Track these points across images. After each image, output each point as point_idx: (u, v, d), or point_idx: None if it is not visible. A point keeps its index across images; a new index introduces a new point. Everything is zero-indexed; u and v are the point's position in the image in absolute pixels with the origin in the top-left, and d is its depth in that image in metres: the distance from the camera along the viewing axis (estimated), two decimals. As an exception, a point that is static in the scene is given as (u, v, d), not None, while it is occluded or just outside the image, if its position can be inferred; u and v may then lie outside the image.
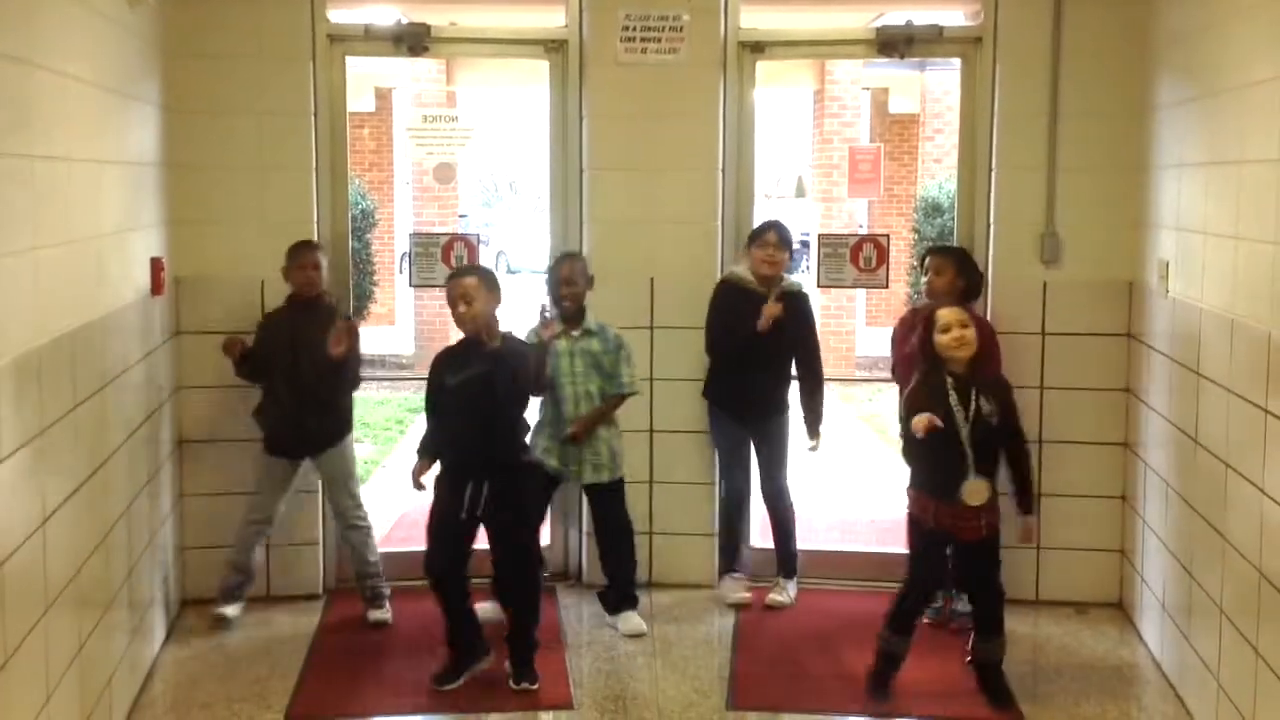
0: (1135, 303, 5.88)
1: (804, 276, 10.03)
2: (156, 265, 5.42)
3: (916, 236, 15.28)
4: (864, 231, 15.44)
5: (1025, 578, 6.12)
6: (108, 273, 4.67)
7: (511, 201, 36.18)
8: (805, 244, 23.54)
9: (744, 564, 6.27)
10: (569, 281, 5.73)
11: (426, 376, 5.24)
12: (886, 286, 6.70)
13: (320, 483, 6.00)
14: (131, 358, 5.01)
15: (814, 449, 6.18)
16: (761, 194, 7.41)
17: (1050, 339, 6.02)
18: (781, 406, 6.10)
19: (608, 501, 5.88)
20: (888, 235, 6.69)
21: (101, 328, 4.53)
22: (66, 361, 4.08)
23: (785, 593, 6.13)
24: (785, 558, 6.21)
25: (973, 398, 4.76)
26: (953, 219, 6.70)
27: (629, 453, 6.07)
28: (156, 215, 5.54)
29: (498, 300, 5.11)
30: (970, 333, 4.79)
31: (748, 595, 6.10)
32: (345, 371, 5.72)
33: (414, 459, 5.25)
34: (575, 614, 6.03)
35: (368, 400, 11.90)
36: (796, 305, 6.00)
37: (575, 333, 5.72)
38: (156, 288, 5.42)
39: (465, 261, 6.22)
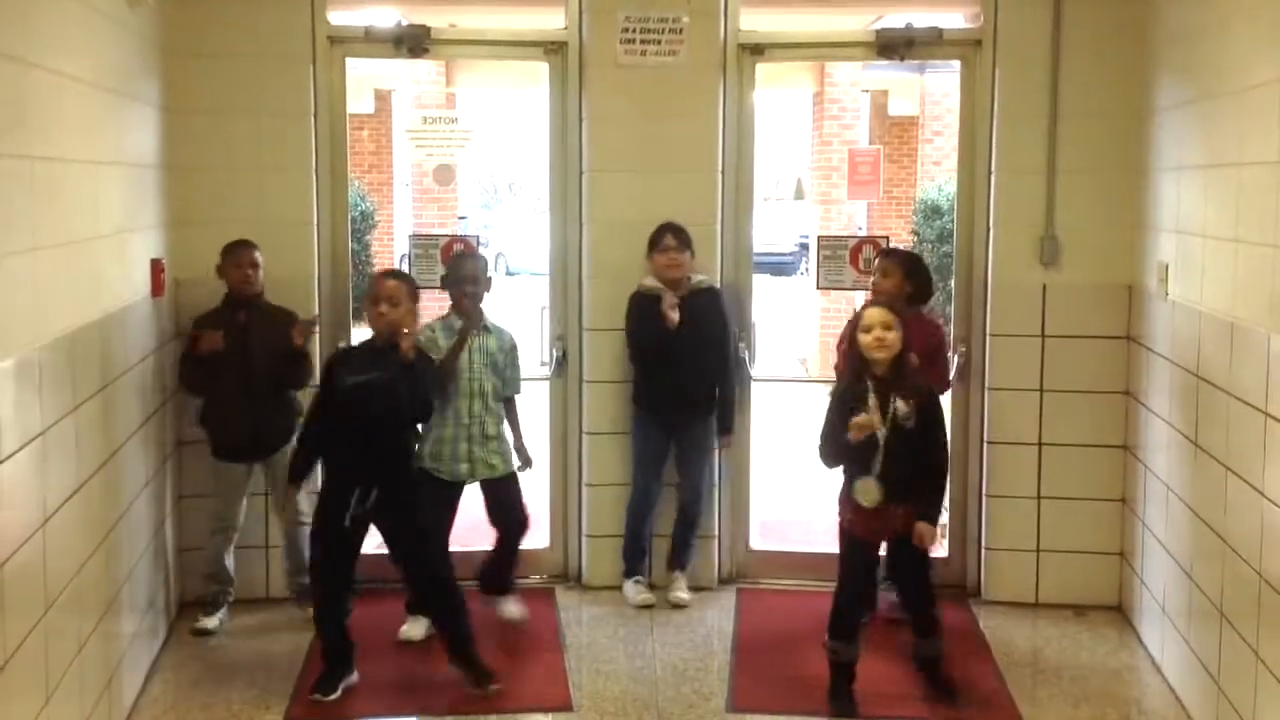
0: (1135, 306, 5.88)
1: (803, 278, 10.02)
2: (156, 266, 5.42)
3: (916, 239, 15.30)
4: (863, 234, 15.45)
5: (1024, 580, 6.13)
6: (107, 274, 4.67)
7: (511, 203, 36.19)
8: (804, 246, 23.63)
9: (647, 568, 6.25)
10: (475, 279, 5.70)
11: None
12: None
13: (267, 483, 5.88)
14: (131, 359, 5.01)
15: (725, 446, 6.20)
16: (761, 196, 7.40)
17: (1050, 342, 6.02)
18: (705, 407, 6.10)
19: (506, 495, 5.81)
20: (887, 237, 6.71)
21: (101, 329, 4.53)
22: (67, 363, 4.08)
23: (682, 587, 6.15)
24: (682, 550, 6.20)
25: (891, 400, 4.76)
26: (952, 221, 6.70)
27: (626, 454, 6.08)
28: (156, 216, 5.53)
29: (416, 309, 5.10)
30: (892, 335, 4.76)
31: (651, 598, 6.09)
32: (301, 365, 5.68)
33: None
34: (575, 616, 6.03)
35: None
36: (708, 301, 6.02)
37: (474, 331, 5.69)
38: (156, 289, 5.42)
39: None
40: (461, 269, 5.78)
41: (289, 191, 5.99)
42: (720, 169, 6.19)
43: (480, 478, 5.75)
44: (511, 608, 5.85)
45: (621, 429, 6.21)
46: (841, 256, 6.36)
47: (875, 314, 4.82)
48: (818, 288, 6.80)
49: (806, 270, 22.31)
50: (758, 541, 6.61)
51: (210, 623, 5.74)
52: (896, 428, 4.75)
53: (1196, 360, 4.95)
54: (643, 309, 5.98)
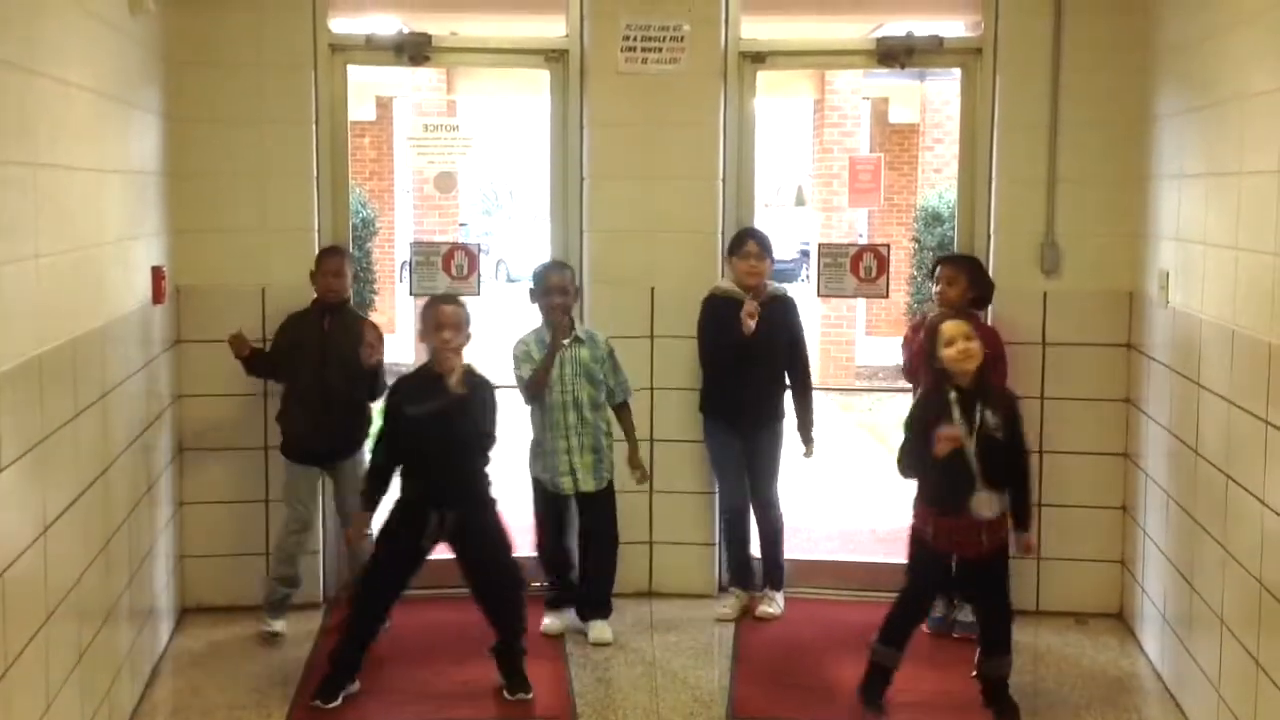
0: (1135, 313, 5.88)
1: (804, 286, 10.02)
2: (158, 274, 5.43)
3: (917, 246, 15.30)
4: (864, 241, 15.45)
5: (1026, 588, 6.11)
6: (109, 281, 4.67)
7: (511, 210, 36.21)
8: (805, 253, 23.63)
9: (753, 578, 6.21)
10: (562, 290, 5.72)
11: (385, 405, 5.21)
12: (886, 296, 6.69)
13: (333, 489, 5.91)
14: (132, 366, 5.02)
15: (808, 455, 6.17)
16: (762, 203, 7.40)
17: (1050, 349, 6.03)
18: (775, 415, 6.07)
19: (598, 509, 5.84)
20: (888, 245, 6.68)
21: (103, 336, 4.53)
22: (68, 369, 4.08)
23: (774, 603, 6.12)
24: (772, 568, 6.18)
25: (978, 411, 4.72)
26: (953, 229, 6.70)
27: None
28: (158, 224, 5.54)
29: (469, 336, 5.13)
30: (975, 345, 4.73)
31: (731, 613, 6.07)
32: (374, 381, 5.69)
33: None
34: (578, 625, 6.02)
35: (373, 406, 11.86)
36: (783, 310, 6.01)
37: (565, 340, 5.70)
38: (158, 296, 5.43)
39: (465, 270, 6.25)
40: (548, 279, 5.75)
41: (290, 198, 5.99)
42: (721, 176, 6.19)
43: (582, 489, 5.75)
44: (604, 630, 5.79)
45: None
46: (842, 264, 6.36)
47: (956, 327, 4.76)
48: (819, 295, 6.79)
49: (807, 277, 22.31)
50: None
51: (279, 625, 5.74)
52: (984, 438, 4.71)
53: (1197, 368, 4.95)
54: (717, 312, 5.96)
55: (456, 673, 5.36)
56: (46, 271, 3.85)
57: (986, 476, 4.72)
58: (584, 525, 5.89)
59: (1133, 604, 5.89)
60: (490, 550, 5.16)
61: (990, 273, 6.04)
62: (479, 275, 6.35)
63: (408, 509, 5.10)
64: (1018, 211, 6.00)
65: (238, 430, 5.96)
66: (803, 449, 6.12)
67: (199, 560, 6.00)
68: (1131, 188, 5.85)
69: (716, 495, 6.25)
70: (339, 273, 5.73)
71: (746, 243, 5.92)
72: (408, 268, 6.72)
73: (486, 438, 5.07)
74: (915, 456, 4.81)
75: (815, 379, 6.32)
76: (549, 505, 5.82)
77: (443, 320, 4.99)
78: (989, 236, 6.08)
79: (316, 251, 5.97)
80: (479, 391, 5.03)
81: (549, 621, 5.83)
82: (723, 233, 6.18)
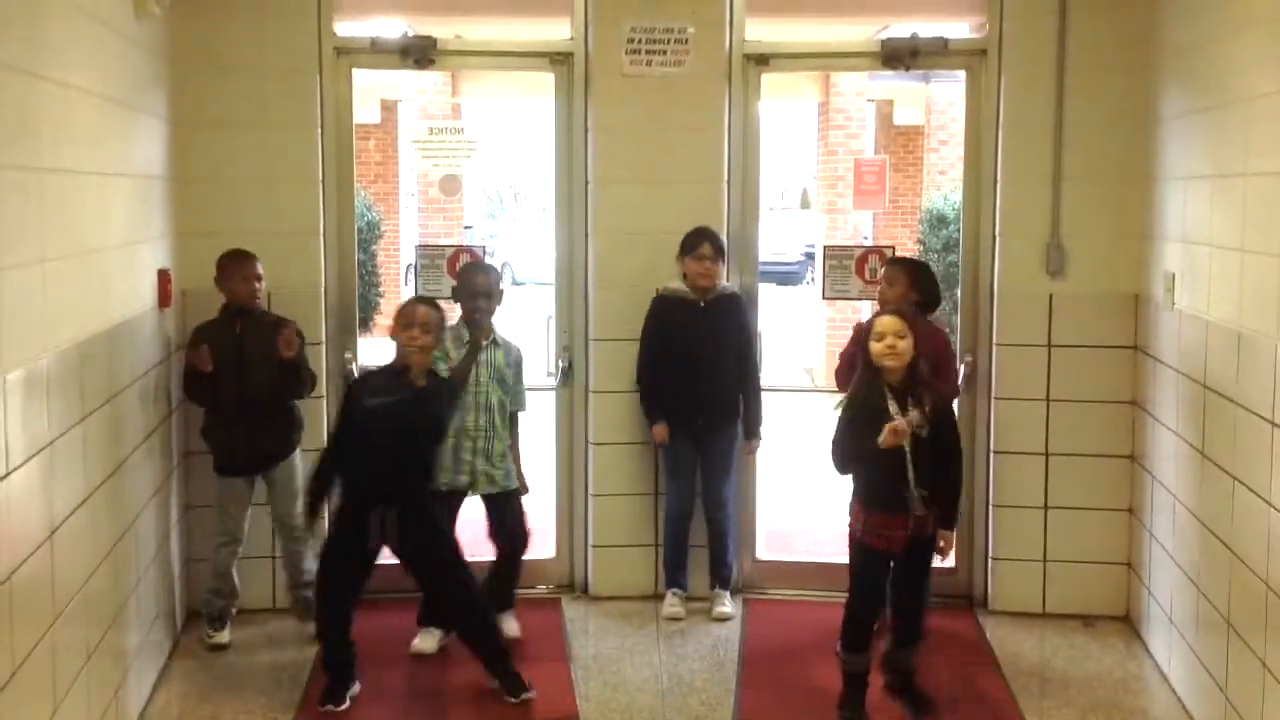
0: (1141, 315, 5.88)
1: (809, 288, 10.01)
2: (163, 277, 5.44)
3: (922, 248, 15.29)
4: (869, 243, 15.44)
5: (1032, 590, 6.12)
6: (115, 285, 4.68)
7: (516, 213, 36.25)
8: (810, 256, 23.62)
9: (686, 580, 6.21)
10: (489, 294, 5.68)
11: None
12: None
13: (269, 495, 5.83)
14: (139, 370, 5.02)
15: (752, 451, 6.18)
16: (766, 206, 7.40)
17: (1056, 351, 6.02)
18: (729, 416, 6.07)
19: (506, 510, 5.79)
20: (893, 247, 6.69)
21: (109, 340, 4.54)
22: (75, 373, 4.09)
23: (727, 603, 6.12)
24: (720, 568, 6.18)
25: (908, 408, 4.72)
26: (958, 230, 6.70)
27: (632, 464, 6.08)
28: (163, 227, 5.55)
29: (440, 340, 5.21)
30: (904, 343, 4.71)
31: (683, 611, 6.07)
32: (298, 377, 5.64)
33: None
34: (581, 627, 6.02)
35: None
36: (728, 306, 6.02)
37: (484, 342, 5.68)
38: (163, 300, 5.44)
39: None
40: (473, 281, 5.75)
41: (295, 202, 6.00)
42: (726, 179, 6.19)
43: (481, 491, 5.72)
44: (510, 624, 5.79)
45: (628, 439, 6.22)
46: (847, 266, 6.36)
47: (888, 322, 4.78)
48: (824, 297, 6.79)
49: (812, 280, 22.32)
50: (764, 552, 6.61)
51: (224, 637, 5.72)
52: (911, 436, 4.72)
53: (1203, 370, 4.95)
54: (666, 313, 5.98)
55: (463, 675, 5.35)
56: (52, 276, 3.86)
57: (918, 473, 4.73)
58: (494, 525, 5.83)
59: (1139, 606, 5.89)
60: (429, 550, 5.15)
61: (995, 275, 6.04)
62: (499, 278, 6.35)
63: (347, 515, 5.11)
64: (1023, 213, 6.00)
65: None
66: (746, 442, 6.15)
67: (205, 564, 5.98)
68: (1137, 189, 5.85)
69: (665, 498, 6.21)
70: (259, 276, 5.64)
71: (702, 244, 5.90)
72: (413, 271, 6.73)
73: (439, 430, 5.15)
74: (847, 448, 4.81)
75: (820, 381, 6.31)
76: (438, 505, 5.56)
77: (414, 319, 5.04)
78: (994, 238, 6.08)
79: (320, 256, 6.00)
80: (439, 386, 5.13)
81: (419, 642, 5.69)
82: (728, 235, 6.17)
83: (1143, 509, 5.83)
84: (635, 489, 6.24)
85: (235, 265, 5.62)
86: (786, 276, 24.21)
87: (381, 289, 16.26)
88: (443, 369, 5.52)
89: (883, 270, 5.82)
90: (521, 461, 5.87)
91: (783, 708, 5.22)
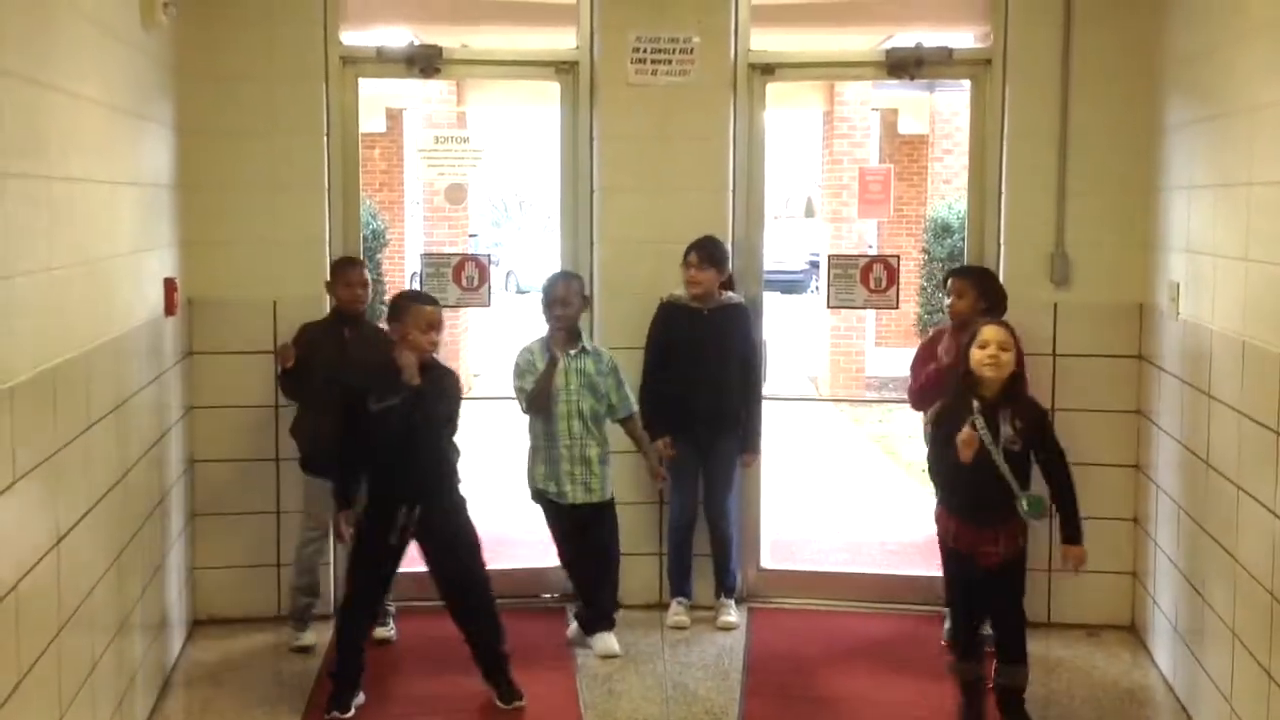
0: (1146, 324, 5.88)
1: (814, 297, 10.02)
2: (169, 286, 5.45)
3: (926, 257, 15.31)
4: (874, 252, 15.46)
5: (1037, 600, 6.09)
6: (121, 293, 4.69)
7: (521, 221, 36.28)
8: (815, 264, 23.65)
9: (691, 589, 6.21)
10: (564, 301, 5.71)
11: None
12: (896, 307, 6.70)
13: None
14: (144, 378, 5.03)
15: (748, 464, 6.18)
16: (771, 214, 7.41)
17: (1061, 360, 6.02)
18: (730, 424, 6.07)
19: (599, 521, 5.82)
20: (898, 256, 6.69)
21: (115, 348, 4.55)
22: (81, 381, 4.10)
23: (732, 612, 6.13)
24: (725, 576, 6.18)
25: (1000, 422, 4.66)
26: (962, 240, 6.70)
27: (637, 473, 6.09)
28: (169, 236, 5.56)
29: None
30: (1007, 356, 4.67)
31: (687, 620, 6.08)
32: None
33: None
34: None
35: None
36: (732, 317, 6.02)
37: (572, 351, 5.71)
38: (169, 308, 5.45)
39: (476, 282, 6.28)
40: (552, 290, 5.75)
41: (301, 210, 6.01)
42: (731, 187, 6.21)
43: (576, 500, 5.72)
44: (610, 642, 5.78)
45: (633, 448, 6.20)
46: (852, 275, 6.36)
47: (995, 332, 4.71)
48: (828, 306, 6.80)
49: (817, 288, 22.34)
50: (768, 560, 6.60)
51: (310, 638, 5.74)
52: (1005, 451, 4.66)
53: (1208, 379, 4.95)
54: (669, 319, 5.99)
55: (465, 684, 5.35)
56: (59, 284, 3.87)
57: (1022, 484, 4.69)
58: (586, 537, 5.85)
59: (1144, 616, 5.88)
60: (455, 551, 5.17)
61: (1000, 283, 6.04)
62: (489, 286, 6.37)
63: (375, 506, 5.12)
64: (1027, 222, 6.00)
65: (249, 442, 5.97)
66: (744, 456, 6.14)
67: (211, 572, 6.01)
68: (1141, 199, 5.85)
69: (668, 506, 6.21)
70: (364, 283, 5.72)
71: (690, 253, 5.93)
72: (418, 279, 6.74)
73: (447, 426, 5.15)
74: (944, 464, 4.79)
75: (825, 390, 6.31)
76: (559, 517, 5.80)
77: (434, 321, 5.06)
78: (999, 247, 6.08)
79: (329, 262, 5.99)
80: (439, 381, 5.10)
81: (579, 635, 5.84)
82: (733, 244, 6.18)
83: (1147, 518, 5.83)
84: (640, 498, 6.24)
85: (340, 270, 5.74)
86: (791, 285, 24.25)
87: (386, 297, 16.26)
88: (529, 382, 5.61)
89: (948, 283, 5.74)
90: (654, 458, 5.89)
91: (787, 717, 5.22)
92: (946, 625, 5.43)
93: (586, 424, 5.71)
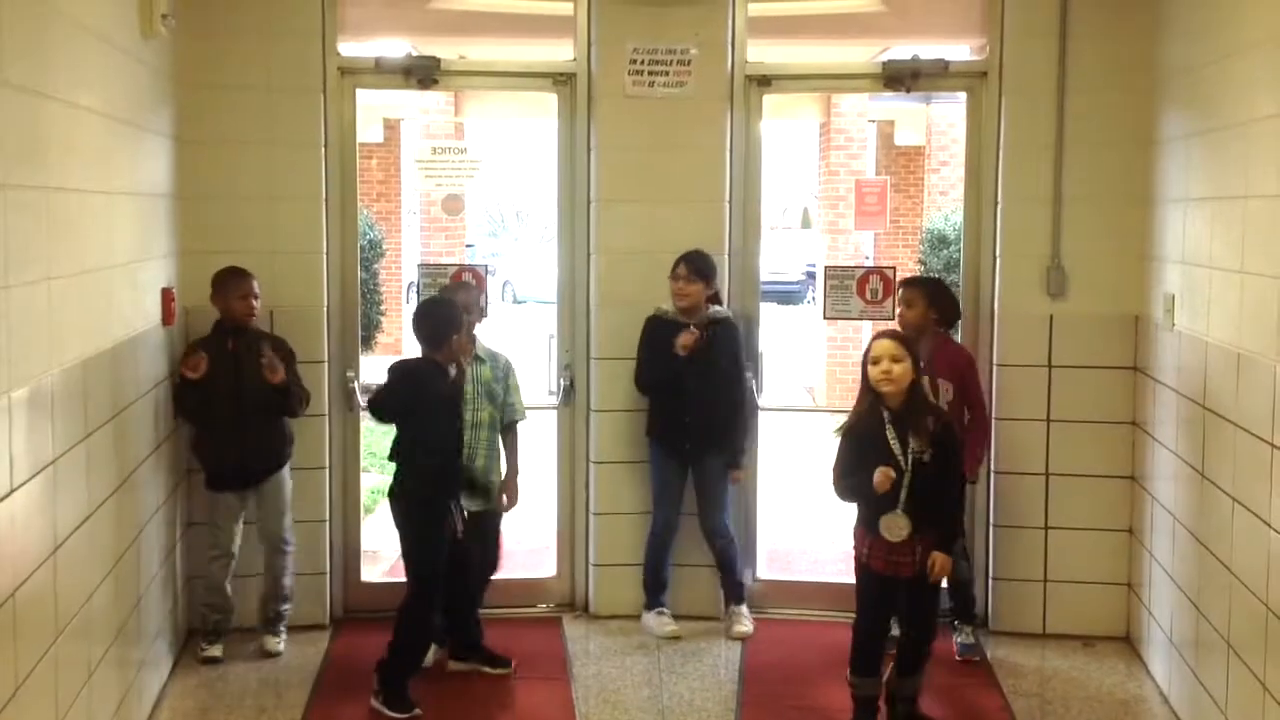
0: (1141, 336, 5.89)
1: (810, 307, 10.02)
2: (167, 295, 5.46)
3: (923, 268, 15.33)
4: (870, 263, 15.47)
5: (1032, 611, 6.12)
6: (119, 303, 4.70)
7: (518, 232, 36.31)
8: (811, 275, 23.67)
9: (666, 598, 6.20)
10: (466, 310, 5.62)
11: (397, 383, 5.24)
12: (893, 318, 6.69)
13: (257, 511, 5.85)
14: (142, 387, 5.04)
15: (735, 481, 6.16)
16: (768, 225, 7.42)
17: (1056, 372, 6.03)
18: (716, 441, 6.04)
19: (484, 528, 5.78)
20: (894, 267, 6.71)
21: (113, 357, 4.56)
22: (79, 391, 4.10)
23: (745, 620, 6.12)
24: (732, 586, 6.17)
25: (907, 433, 4.69)
26: (959, 251, 6.72)
27: (634, 483, 6.10)
28: (167, 246, 5.57)
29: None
30: (899, 368, 4.67)
31: (677, 629, 6.08)
32: (289, 397, 5.67)
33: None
34: (582, 646, 6.02)
35: (375, 429, 11.86)
36: (722, 333, 6.01)
37: (465, 363, 5.63)
38: (167, 318, 5.46)
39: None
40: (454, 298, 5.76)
41: (299, 221, 6.02)
42: (728, 199, 6.22)
43: (468, 506, 5.66)
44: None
45: (629, 458, 6.23)
46: (848, 286, 6.37)
47: (883, 346, 4.73)
48: (825, 317, 6.81)
49: (813, 299, 22.35)
50: (765, 571, 6.61)
51: (217, 650, 5.74)
52: (914, 461, 4.69)
53: (1203, 391, 4.96)
54: (656, 333, 6.00)
55: (470, 692, 5.35)
56: (57, 294, 3.88)
57: (911, 500, 4.68)
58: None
59: (1140, 627, 5.89)
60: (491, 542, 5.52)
61: (995, 295, 6.06)
62: (486, 296, 6.37)
63: (438, 499, 5.25)
64: (1023, 234, 6.02)
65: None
66: (730, 473, 6.11)
67: (204, 580, 6.00)
68: (1137, 211, 5.87)
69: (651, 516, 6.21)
70: (254, 295, 5.66)
71: (677, 265, 5.93)
72: (414, 289, 6.74)
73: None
74: (847, 479, 4.80)
75: (822, 400, 6.31)
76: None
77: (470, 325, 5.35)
78: (994, 259, 6.10)
79: (324, 274, 6.01)
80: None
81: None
82: (729, 255, 6.20)
83: (1143, 530, 5.84)
84: (636, 508, 6.25)
85: (233, 282, 5.65)
86: (787, 296, 24.27)
87: (383, 308, 16.29)
88: None
89: (899, 292, 5.81)
90: (517, 475, 5.86)
91: (783, 727, 5.22)
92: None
93: (481, 433, 5.69)
